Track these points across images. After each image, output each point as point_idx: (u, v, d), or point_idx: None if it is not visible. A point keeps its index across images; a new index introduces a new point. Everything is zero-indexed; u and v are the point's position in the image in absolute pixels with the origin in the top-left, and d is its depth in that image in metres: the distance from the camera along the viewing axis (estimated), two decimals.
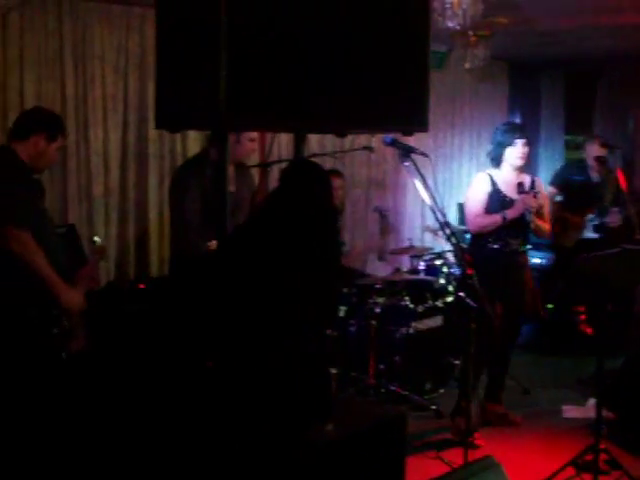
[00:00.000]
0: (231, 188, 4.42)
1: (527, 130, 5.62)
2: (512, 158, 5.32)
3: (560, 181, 7.54)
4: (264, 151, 7.04)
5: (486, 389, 5.58)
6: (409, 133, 2.73)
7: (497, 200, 5.32)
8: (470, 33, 7.13)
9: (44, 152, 4.05)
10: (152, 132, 6.51)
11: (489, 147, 5.53)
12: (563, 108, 10.53)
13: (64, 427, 3.23)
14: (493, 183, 5.34)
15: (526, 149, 5.34)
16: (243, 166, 5.08)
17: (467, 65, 7.44)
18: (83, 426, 2.92)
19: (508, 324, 5.35)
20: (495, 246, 5.28)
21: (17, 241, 3.71)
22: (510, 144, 5.31)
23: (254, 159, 7.08)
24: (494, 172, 5.39)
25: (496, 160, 5.40)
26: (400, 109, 2.58)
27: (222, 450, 2.44)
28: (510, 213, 5.22)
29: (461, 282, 4.25)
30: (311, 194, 2.42)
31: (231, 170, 4.60)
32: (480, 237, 5.34)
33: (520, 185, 5.29)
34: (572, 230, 7.07)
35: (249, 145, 4.88)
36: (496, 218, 5.24)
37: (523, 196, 5.22)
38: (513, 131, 5.37)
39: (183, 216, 4.65)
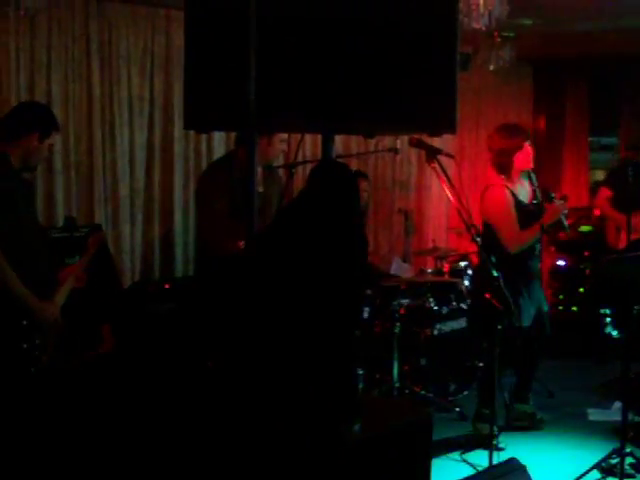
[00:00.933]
0: (259, 189, 4.43)
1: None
2: (523, 162, 5.13)
3: (615, 181, 7.26)
4: (289, 152, 7.06)
5: (515, 390, 5.49)
6: (437, 134, 2.72)
7: (521, 212, 5.12)
8: (495, 34, 7.12)
9: (37, 150, 3.86)
10: (177, 133, 6.55)
11: (495, 153, 5.25)
12: (588, 109, 10.47)
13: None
14: (513, 195, 5.14)
15: (532, 150, 5.18)
16: (271, 167, 5.08)
17: (492, 66, 7.43)
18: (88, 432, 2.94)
19: (537, 326, 5.25)
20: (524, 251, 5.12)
21: None
22: (519, 148, 5.10)
23: (279, 160, 7.12)
24: (507, 183, 5.15)
25: (505, 167, 5.14)
26: (428, 110, 2.57)
27: (250, 449, 2.44)
28: (546, 220, 5.04)
29: (487, 284, 4.18)
30: (338, 195, 2.43)
31: (260, 171, 4.60)
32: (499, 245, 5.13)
33: (545, 191, 5.16)
34: (625, 231, 6.89)
35: (280, 146, 4.88)
36: (535, 230, 5.06)
37: (557, 203, 5.06)
38: (517, 134, 5.16)
39: (210, 216, 4.65)
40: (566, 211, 5.13)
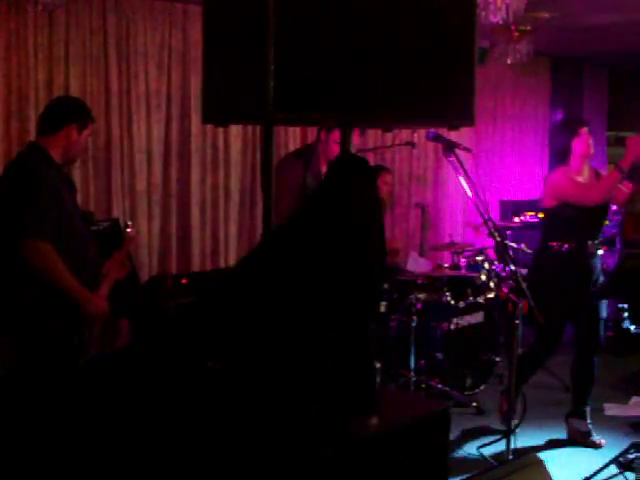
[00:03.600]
0: None
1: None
2: (580, 148, 5.03)
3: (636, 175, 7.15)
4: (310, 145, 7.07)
5: (572, 402, 5.27)
6: (455, 128, 2.71)
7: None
8: (513, 28, 7.09)
9: (76, 142, 3.91)
10: (195, 127, 6.58)
11: (552, 145, 5.34)
12: (606, 103, 10.42)
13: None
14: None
15: (590, 138, 5.07)
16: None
17: (509, 60, 7.40)
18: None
19: (585, 334, 5.12)
20: (569, 248, 4.98)
21: (36, 253, 3.62)
22: (576, 134, 5.02)
23: None
24: (568, 169, 5.07)
25: (564, 154, 5.10)
26: (447, 104, 2.57)
27: (266, 441, 2.45)
28: (625, 162, 4.77)
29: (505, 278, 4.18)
30: (358, 189, 2.43)
31: (324, 169, 4.53)
32: (552, 238, 5.05)
33: (597, 172, 5.12)
34: None
35: (335, 147, 4.77)
36: (615, 175, 4.82)
37: (635, 138, 4.82)
38: (574, 121, 5.21)
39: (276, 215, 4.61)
40: None
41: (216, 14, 2.52)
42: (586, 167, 5.10)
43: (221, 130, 6.65)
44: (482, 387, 6.10)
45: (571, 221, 4.96)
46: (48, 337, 3.74)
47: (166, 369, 2.61)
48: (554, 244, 5.00)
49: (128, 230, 4.46)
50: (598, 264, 5.10)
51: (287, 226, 2.63)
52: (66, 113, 3.91)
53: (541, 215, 8.57)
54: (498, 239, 4.01)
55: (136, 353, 2.89)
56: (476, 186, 3.97)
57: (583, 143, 5.02)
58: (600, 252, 5.15)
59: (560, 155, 5.15)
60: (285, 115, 2.30)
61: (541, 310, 4.84)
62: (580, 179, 5.04)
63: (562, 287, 4.95)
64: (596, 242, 5.04)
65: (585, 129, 5.04)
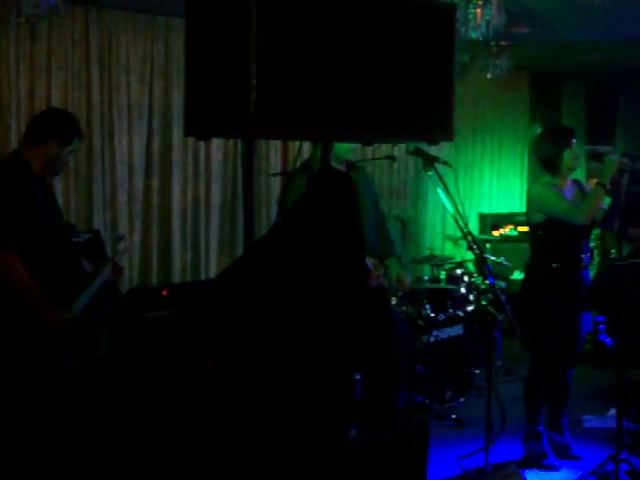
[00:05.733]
0: None
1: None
2: (570, 161, 4.89)
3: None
4: (287, 159, 7.10)
5: (548, 417, 5.18)
6: (435, 142, 2.75)
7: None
8: (492, 43, 7.17)
9: (57, 157, 3.85)
10: (176, 139, 6.59)
11: (541, 153, 5.06)
12: (584, 118, 10.52)
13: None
14: (562, 192, 4.95)
15: (577, 150, 5.01)
16: (357, 166, 4.94)
17: (489, 75, 7.48)
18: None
19: (567, 350, 4.99)
20: (561, 264, 4.88)
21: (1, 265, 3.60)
22: (568, 145, 4.88)
23: (277, 167, 7.16)
24: (555, 182, 4.95)
25: (553, 165, 4.93)
26: (425, 118, 2.60)
27: (243, 454, 2.46)
28: (606, 177, 4.73)
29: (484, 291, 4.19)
30: (337, 203, 2.45)
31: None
32: (544, 253, 4.94)
33: (581, 186, 5.05)
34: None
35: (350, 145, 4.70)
36: (598, 193, 4.75)
37: (612, 156, 4.83)
38: (567, 132, 5.01)
39: None
40: (628, 166, 4.78)
41: (198, 29, 2.54)
42: (569, 181, 5.03)
43: (202, 143, 6.66)
44: (462, 399, 6.13)
45: (559, 236, 4.88)
46: (18, 344, 3.72)
47: (149, 379, 2.62)
48: (544, 258, 4.92)
49: (119, 244, 4.44)
50: (589, 277, 4.99)
51: (268, 239, 2.66)
52: (49, 127, 3.87)
53: (523, 229, 8.70)
54: (477, 252, 4.04)
55: (121, 363, 2.89)
56: (455, 200, 4.00)
57: (573, 155, 4.93)
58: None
59: (546, 165, 5.02)
60: (266, 130, 2.33)
61: (537, 324, 4.88)
62: (566, 192, 4.95)
63: (555, 302, 4.83)
64: (587, 255, 4.97)
65: (573, 140, 4.94)
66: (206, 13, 2.51)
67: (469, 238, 4.05)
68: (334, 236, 2.42)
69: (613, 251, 6.53)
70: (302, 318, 2.51)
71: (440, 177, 3.98)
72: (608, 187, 4.74)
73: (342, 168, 4.56)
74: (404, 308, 6.15)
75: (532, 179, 9.72)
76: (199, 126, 2.59)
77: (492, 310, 4.08)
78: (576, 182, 5.11)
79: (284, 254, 2.44)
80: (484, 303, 4.18)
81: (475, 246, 4.11)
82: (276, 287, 2.44)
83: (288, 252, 2.44)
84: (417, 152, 4.10)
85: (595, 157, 4.99)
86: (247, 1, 2.21)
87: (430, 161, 4.00)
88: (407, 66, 2.54)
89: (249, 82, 2.22)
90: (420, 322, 6.06)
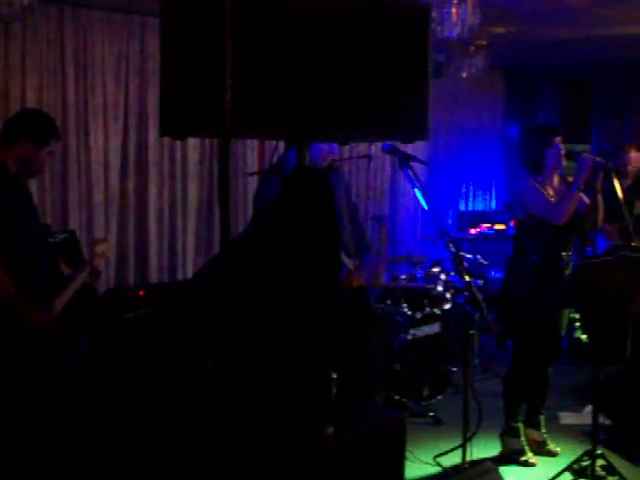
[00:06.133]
0: None
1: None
2: (553, 160, 4.90)
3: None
4: (263, 159, 7.11)
5: (525, 414, 5.23)
6: (410, 141, 2.75)
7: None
8: (468, 43, 7.19)
9: (33, 157, 3.81)
10: (152, 139, 6.58)
11: (524, 152, 5.10)
12: (560, 117, 10.59)
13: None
14: (545, 190, 4.95)
15: (563, 149, 4.94)
16: (333, 169, 4.89)
17: (465, 74, 7.50)
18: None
19: (549, 346, 5.03)
20: (542, 259, 4.90)
21: None
22: (549, 145, 4.88)
23: (253, 166, 7.16)
24: (539, 180, 4.95)
25: (536, 165, 4.95)
26: (400, 117, 2.61)
27: (220, 453, 2.46)
28: (579, 177, 4.73)
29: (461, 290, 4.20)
30: (313, 203, 2.46)
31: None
32: (525, 249, 4.97)
33: (567, 180, 5.00)
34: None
35: (324, 148, 4.64)
36: (572, 192, 4.75)
37: (585, 155, 4.80)
38: (549, 131, 4.99)
39: None
40: (602, 164, 4.76)
41: (173, 28, 2.53)
42: (556, 177, 5.03)
43: (178, 142, 6.66)
44: (439, 397, 6.15)
45: (542, 232, 4.89)
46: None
47: (127, 380, 2.62)
48: (526, 255, 4.94)
49: (97, 246, 4.42)
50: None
51: (244, 238, 2.66)
52: (24, 127, 3.84)
53: (500, 227, 8.75)
54: (453, 251, 4.04)
55: (100, 363, 2.89)
56: (431, 198, 4.01)
57: (555, 154, 4.92)
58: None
59: (529, 165, 5.03)
60: (241, 129, 2.33)
61: (519, 322, 4.90)
62: (550, 191, 4.95)
63: (537, 299, 4.83)
64: (570, 253, 4.98)
65: (559, 139, 4.93)
66: (181, 12, 2.51)
67: (445, 237, 4.06)
68: (309, 234, 2.43)
69: (590, 248, 6.57)
70: (278, 316, 2.52)
71: (416, 176, 3.99)
72: (582, 186, 4.76)
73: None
74: (381, 306, 6.17)
75: (508, 177, 9.78)
76: (174, 126, 2.59)
77: (468, 308, 4.09)
78: (562, 179, 5.09)
79: (259, 253, 2.44)
80: (460, 302, 4.18)
81: (451, 244, 4.12)
82: (252, 286, 2.44)
83: (263, 251, 2.44)
84: (393, 151, 4.11)
85: (569, 157, 4.94)
86: (222, 0, 2.21)
87: (406, 160, 4.01)
88: (382, 65, 2.55)
89: (224, 81, 2.22)
90: (397, 321, 6.08)
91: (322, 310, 2.56)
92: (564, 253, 4.93)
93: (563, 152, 4.93)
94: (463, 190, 9.58)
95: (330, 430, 2.75)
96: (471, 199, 9.65)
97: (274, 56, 2.30)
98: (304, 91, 2.36)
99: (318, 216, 2.45)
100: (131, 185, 6.58)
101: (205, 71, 2.33)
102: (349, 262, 4.77)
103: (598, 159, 4.75)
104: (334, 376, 2.79)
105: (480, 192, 9.79)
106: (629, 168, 6.81)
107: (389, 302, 6.29)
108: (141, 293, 5.95)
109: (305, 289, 2.49)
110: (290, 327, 2.55)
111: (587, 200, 4.83)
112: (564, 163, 4.98)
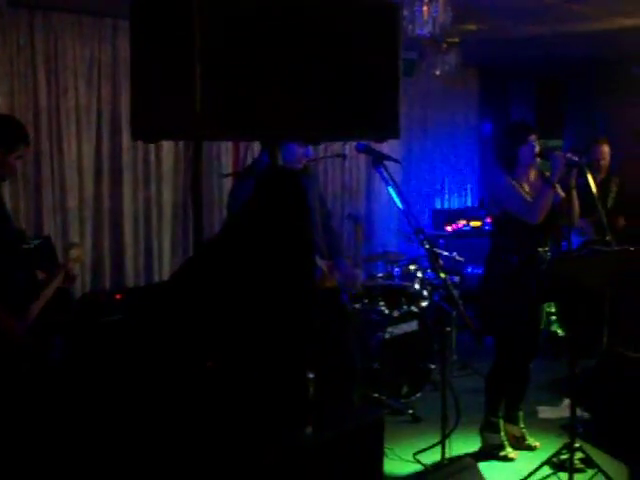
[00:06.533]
0: None
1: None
2: (527, 158, 4.93)
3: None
4: (238, 160, 7.09)
5: (505, 409, 5.26)
6: (381, 140, 2.76)
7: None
8: (440, 40, 7.21)
9: (2, 162, 3.79)
10: (126, 143, 6.54)
11: (498, 149, 5.16)
12: (533, 113, 10.64)
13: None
14: (521, 186, 4.96)
15: (537, 146, 4.97)
16: (307, 171, 4.86)
17: (438, 71, 7.52)
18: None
19: (529, 342, 5.06)
20: (519, 255, 4.91)
21: None
22: (523, 142, 4.91)
23: (228, 168, 7.15)
24: (514, 177, 4.97)
25: (510, 162, 4.98)
26: (372, 117, 2.61)
27: (199, 454, 2.46)
28: (554, 175, 4.77)
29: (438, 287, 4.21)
30: (286, 203, 2.46)
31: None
32: (503, 246, 4.98)
33: (543, 176, 5.00)
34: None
35: (298, 150, 4.60)
36: (546, 191, 4.79)
37: (557, 153, 4.84)
38: (524, 129, 5.03)
39: None
40: (575, 161, 4.76)
41: (143, 31, 2.52)
42: (533, 172, 5.04)
43: (152, 145, 6.62)
44: (418, 395, 6.16)
45: (519, 228, 4.90)
46: None
47: (104, 383, 2.62)
48: (504, 252, 4.95)
49: (72, 251, 4.40)
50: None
51: (217, 240, 2.65)
52: None
53: (476, 224, 8.79)
54: (428, 248, 4.05)
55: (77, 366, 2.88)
56: (405, 197, 4.01)
57: (529, 152, 4.94)
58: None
59: (503, 162, 5.04)
60: (213, 131, 2.33)
61: (499, 318, 4.93)
62: (526, 187, 4.96)
63: (515, 295, 4.86)
64: (547, 249, 5.00)
65: (533, 137, 4.94)
66: (150, 14, 2.50)
67: (420, 234, 4.07)
68: (282, 235, 2.43)
69: (564, 243, 6.61)
70: (254, 317, 2.51)
71: (390, 174, 3.99)
72: (556, 184, 4.78)
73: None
74: (358, 305, 6.18)
75: (483, 174, 9.82)
76: (146, 129, 2.58)
77: (444, 306, 4.10)
78: (538, 175, 5.10)
79: (232, 254, 2.44)
80: (436, 299, 4.19)
81: (426, 242, 4.13)
82: (226, 287, 2.44)
83: (236, 252, 2.44)
84: (366, 150, 4.12)
85: (541, 156, 4.95)
86: (190, 2, 2.21)
87: (379, 159, 4.01)
88: (353, 64, 2.55)
89: (194, 83, 2.22)
90: (375, 319, 6.09)
91: (298, 310, 2.56)
92: (541, 249, 4.95)
93: (537, 150, 4.96)
94: (438, 187, 9.61)
95: (309, 430, 2.76)
96: (447, 196, 9.67)
97: (244, 57, 2.29)
98: (275, 92, 2.36)
99: (290, 216, 2.45)
100: (105, 189, 6.55)
101: (175, 73, 2.33)
102: (322, 263, 4.78)
103: (570, 156, 4.77)
104: (311, 376, 2.79)
105: (455, 189, 9.82)
106: (601, 162, 6.89)
107: (366, 300, 6.29)
108: (117, 297, 5.93)
109: (280, 289, 2.49)
110: (266, 328, 2.55)
111: (563, 194, 4.85)
112: (537, 161, 5.01)
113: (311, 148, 4.84)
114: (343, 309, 5.19)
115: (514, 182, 4.95)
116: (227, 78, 2.27)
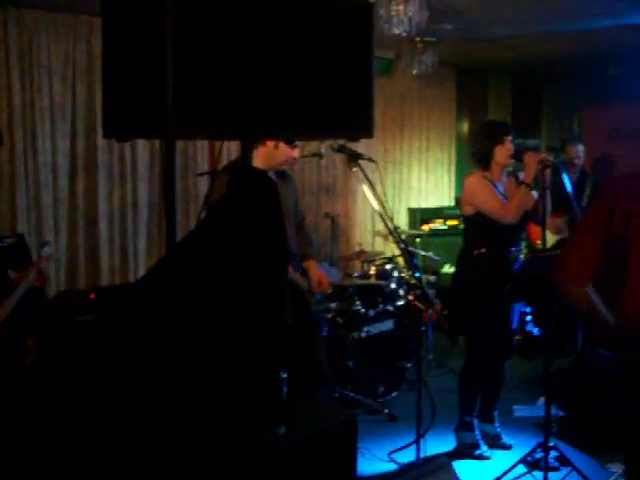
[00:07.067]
0: None
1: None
2: (502, 157, 4.95)
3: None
4: (214, 159, 7.07)
5: (479, 409, 5.23)
6: (355, 139, 2.76)
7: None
8: (417, 40, 7.23)
9: None
10: (101, 141, 6.51)
11: (474, 147, 5.23)
12: (510, 112, 10.69)
13: None
14: (494, 185, 4.98)
15: (513, 147, 4.99)
16: (285, 173, 4.85)
17: (415, 71, 7.53)
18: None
19: (502, 341, 5.07)
20: (491, 255, 4.92)
21: None
22: (499, 142, 4.94)
23: (203, 167, 7.12)
24: (487, 174, 5.00)
25: (484, 160, 5.00)
26: (345, 116, 2.61)
27: (170, 455, 2.45)
28: (527, 175, 4.79)
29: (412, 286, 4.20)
30: (257, 203, 2.45)
31: (272, 178, 4.32)
32: (474, 245, 4.98)
33: (516, 176, 5.02)
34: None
35: (288, 152, 4.58)
36: (520, 192, 4.81)
37: (531, 154, 4.83)
38: (500, 128, 5.07)
39: None
40: (549, 161, 4.75)
41: (115, 28, 2.51)
42: (504, 173, 5.06)
43: (128, 144, 6.59)
44: (394, 394, 6.17)
45: (491, 228, 4.91)
46: None
47: (76, 382, 2.59)
48: (476, 251, 4.95)
49: (44, 249, 4.38)
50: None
51: (190, 240, 2.64)
52: None
53: (452, 223, 8.80)
54: (402, 247, 4.06)
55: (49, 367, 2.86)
56: (380, 196, 4.01)
57: (505, 152, 4.95)
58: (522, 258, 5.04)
59: (478, 161, 5.06)
60: (185, 130, 2.31)
61: (472, 318, 4.93)
62: (499, 186, 4.98)
63: (487, 294, 4.86)
64: (519, 248, 5.01)
65: (510, 137, 4.96)
66: (123, 12, 2.49)
67: (395, 234, 4.07)
68: (254, 235, 2.42)
69: (539, 242, 6.63)
70: (226, 317, 2.50)
71: (365, 173, 3.99)
72: (531, 184, 4.79)
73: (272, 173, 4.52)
74: (333, 305, 6.17)
75: (459, 173, 9.84)
76: (118, 127, 2.56)
77: (419, 305, 4.10)
78: (511, 175, 5.12)
79: (205, 254, 2.43)
80: (411, 298, 4.19)
81: (400, 242, 4.14)
82: (198, 288, 2.42)
83: (209, 252, 2.42)
84: (341, 149, 4.11)
85: (515, 157, 4.96)
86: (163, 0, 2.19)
87: (354, 158, 4.01)
88: (326, 64, 2.54)
89: (166, 81, 2.20)
90: (351, 318, 6.09)
91: (269, 309, 2.55)
92: (513, 248, 4.96)
93: (512, 151, 4.97)
94: (415, 186, 9.61)
95: (281, 430, 2.75)
96: (423, 195, 9.68)
97: (216, 56, 2.28)
98: (248, 90, 2.35)
99: (260, 215, 2.44)
100: (80, 187, 6.51)
101: (147, 71, 2.31)
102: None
103: (544, 156, 4.79)
104: (284, 376, 2.79)
105: (432, 188, 9.83)
106: (576, 162, 6.93)
107: (342, 300, 6.29)
108: (92, 296, 5.89)
109: (250, 288, 2.48)
110: (238, 325, 2.54)
111: (536, 196, 4.86)
112: (512, 161, 5.02)
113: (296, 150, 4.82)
114: (309, 311, 5.12)
115: (488, 182, 4.96)
116: (199, 77, 2.26)
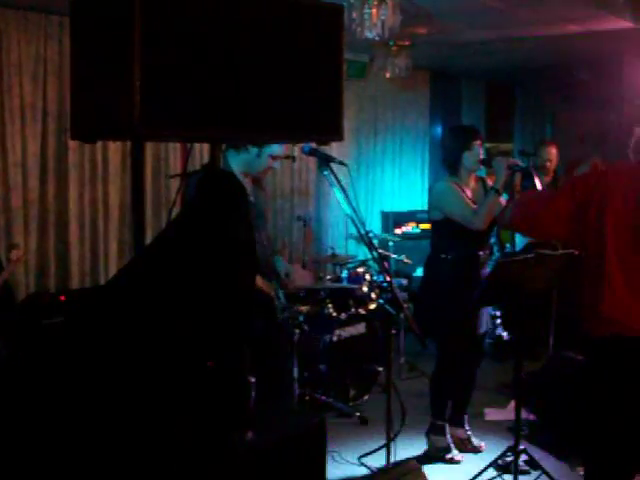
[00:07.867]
0: (250, 199, 4.29)
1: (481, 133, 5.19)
2: (471, 163, 4.95)
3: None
4: (186, 161, 7.02)
5: (451, 413, 5.23)
6: (324, 142, 2.75)
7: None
8: (391, 43, 7.24)
9: None
10: (72, 142, 6.45)
11: (443, 153, 5.23)
12: (484, 117, 10.74)
13: None
14: (462, 190, 4.96)
15: (482, 152, 5.01)
16: (259, 182, 4.76)
17: (388, 74, 7.54)
18: None
19: (472, 346, 5.08)
20: (459, 259, 4.92)
21: None
22: (467, 148, 4.93)
23: (175, 169, 7.09)
24: (456, 180, 4.98)
25: (454, 166, 5.00)
26: (315, 119, 2.59)
27: (139, 460, 2.43)
28: (498, 181, 4.73)
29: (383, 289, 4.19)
30: (225, 206, 2.43)
31: (248, 182, 4.41)
32: (442, 250, 4.97)
33: (485, 181, 5.06)
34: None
35: (268, 162, 4.51)
36: (491, 198, 4.76)
37: (499, 159, 4.81)
38: (469, 134, 5.04)
39: None
40: (518, 166, 4.75)
41: (82, 29, 2.48)
42: (473, 178, 5.06)
43: (100, 145, 6.55)
44: (366, 397, 6.16)
45: (459, 233, 4.90)
46: None
47: (45, 384, 2.57)
48: (444, 256, 4.94)
49: (13, 252, 4.33)
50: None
51: (159, 242, 2.62)
52: None
53: (424, 227, 8.81)
54: (373, 251, 4.04)
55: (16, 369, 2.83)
56: (352, 200, 3.99)
57: (473, 157, 4.95)
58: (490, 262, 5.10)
59: (447, 165, 5.07)
60: (152, 131, 2.29)
61: (441, 323, 4.92)
62: (468, 192, 4.97)
63: (455, 298, 4.84)
64: (487, 252, 5.03)
65: (478, 142, 4.96)
66: (91, 12, 2.46)
67: (365, 238, 4.06)
68: (222, 237, 2.40)
69: (508, 246, 6.67)
70: (194, 319, 2.49)
71: (336, 177, 3.97)
72: (501, 190, 4.78)
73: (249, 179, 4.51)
74: (304, 308, 6.15)
75: (433, 177, 9.86)
76: (85, 129, 2.54)
77: (389, 308, 4.09)
78: (480, 180, 5.14)
79: (173, 256, 2.41)
80: (381, 302, 4.19)
81: (371, 245, 4.12)
82: (166, 290, 2.41)
83: (177, 254, 2.41)
84: (312, 152, 4.09)
85: (484, 163, 4.96)
86: (131, 0, 2.18)
87: (325, 161, 3.99)
88: (295, 67, 2.53)
89: (133, 83, 2.18)
90: (322, 321, 6.08)
91: (235, 311, 2.54)
92: (481, 252, 4.98)
93: (481, 157, 4.97)
94: (388, 190, 9.63)
95: (249, 435, 2.73)
96: (396, 199, 9.69)
97: (184, 57, 2.27)
98: (216, 92, 2.33)
99: (227, 217, 2.42)
100: (51, 189, 6.45)
101: (114, 73, 2.29)
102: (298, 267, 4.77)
103: (513, 161, 4.80)
104: (252, 380, 2.77)
105: (405, 192, 9.85)
106: (548, 165, 6.96)
107: (314, 303, 6.27)
108: (62, 298, 5.85)
109: (220, 292, 2.46)
110: (206, 330, 2.53)
111: (504, 202, 4.86)
112: (480, 167, 5.03)
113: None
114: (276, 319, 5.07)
115: (457, 187, 4.96)
116: (167, 78, 2.24)
